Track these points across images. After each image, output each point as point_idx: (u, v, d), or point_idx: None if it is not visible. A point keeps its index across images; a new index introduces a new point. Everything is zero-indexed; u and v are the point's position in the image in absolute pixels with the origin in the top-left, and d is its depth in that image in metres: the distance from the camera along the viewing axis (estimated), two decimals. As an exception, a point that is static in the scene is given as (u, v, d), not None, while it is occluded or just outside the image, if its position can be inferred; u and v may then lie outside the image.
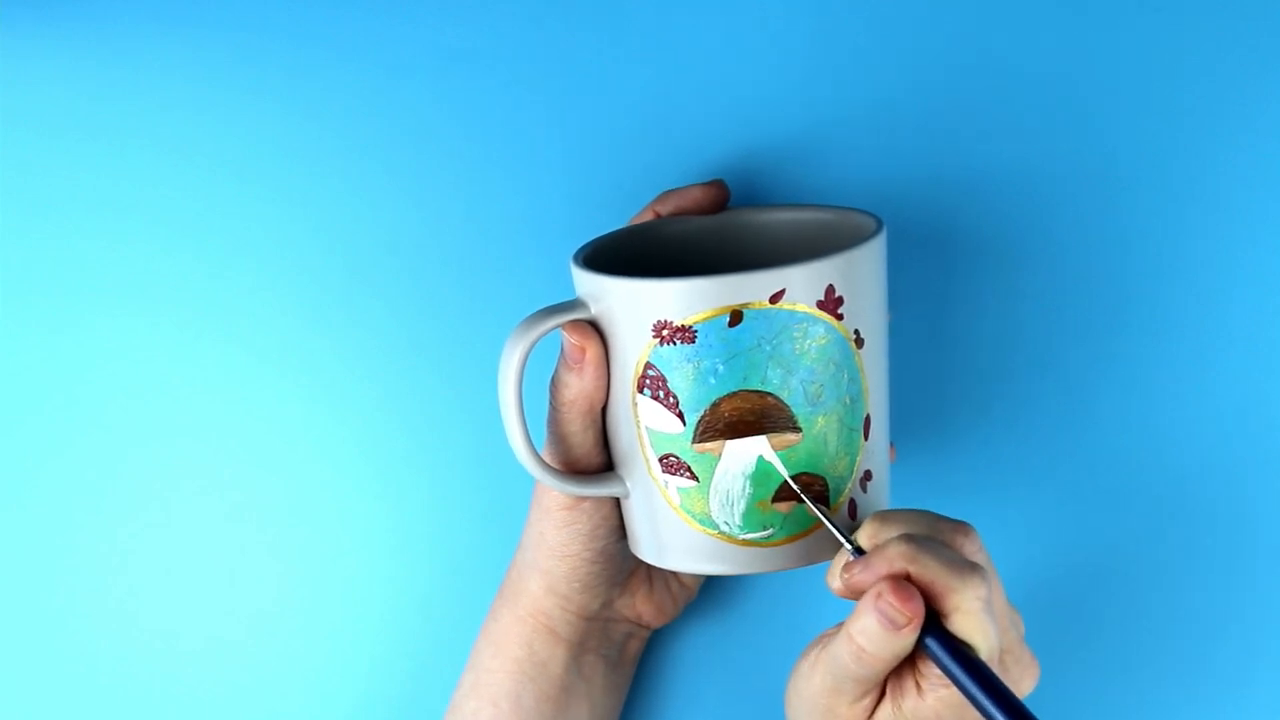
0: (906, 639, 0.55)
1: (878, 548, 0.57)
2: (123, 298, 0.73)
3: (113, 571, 0.74)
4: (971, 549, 0.58)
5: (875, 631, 0.55)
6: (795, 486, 0.60)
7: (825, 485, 0.61)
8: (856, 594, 0.57)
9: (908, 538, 0.56)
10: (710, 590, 0.74)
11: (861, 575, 0.57)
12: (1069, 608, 0.74)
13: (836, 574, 0.58)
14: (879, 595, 0.55)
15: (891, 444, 0.68)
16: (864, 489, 0.62)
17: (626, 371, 0.61)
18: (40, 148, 0.72)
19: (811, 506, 0.60)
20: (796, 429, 0.60)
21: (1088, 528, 0.74)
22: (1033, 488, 0.73)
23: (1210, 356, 0.72)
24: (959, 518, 0.73)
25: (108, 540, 0.74)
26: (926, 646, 0.56)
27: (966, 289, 0.72)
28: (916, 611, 0.55)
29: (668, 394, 0.60)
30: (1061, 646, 0.74)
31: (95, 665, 0.75)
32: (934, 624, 0.56)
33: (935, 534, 0.58)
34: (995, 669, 0.57)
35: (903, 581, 0.55)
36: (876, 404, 0.62)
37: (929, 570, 0.55)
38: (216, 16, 0.71)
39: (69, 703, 0.75)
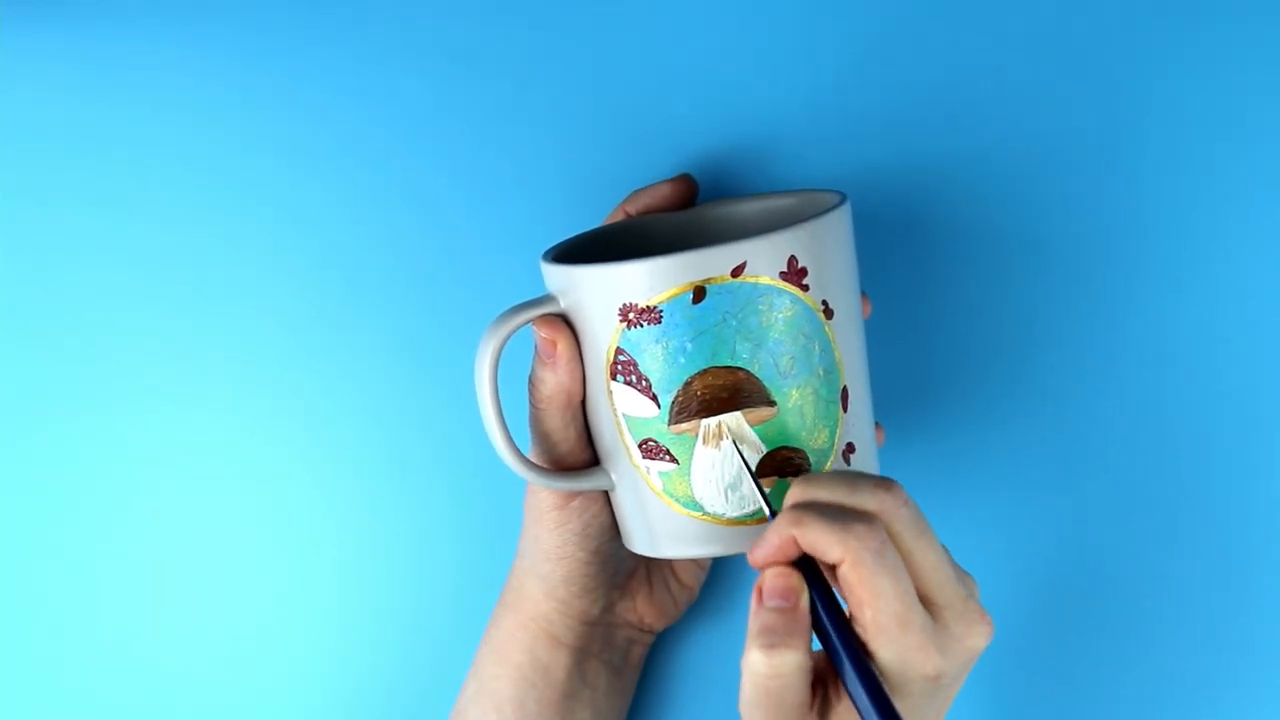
0: (792, 651, 0.54)
1: (773, 523, 0.56)
2: (113, 298, 0.74)
3: (102, 576, 0.75)
4: (892, 503, 0.56)
5: (760, 659, 0.55)
6: (748, 463, 0.60)
7: (806, 458, 0.61)
8: (770, 566, 0.56)
9: (795, 506, 0.56)
10: (712, 593, 0.74)
11: (758, 553, 0.56)
12: (1057, 593, 0.73)
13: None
14: (755, 611, 0.55)
15: (879, 425, 0.67)
16: (847, 461, 0.62)
17: (599, 360, 0.61)
18: (36, 149, 0.73)
19: (749, 476, 0.59)
20: (771, 403, 0.60)
21: (1080, 513, 0.73)
22: (1022, 473, 0.73)
23: (1197, 336, 0.72)
24: (951, 504, 0.73)
25: (97, 546, 0.75)
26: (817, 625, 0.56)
27: (951, 277, 0.72)
28: (790, 619, 0.55)
29: (640, 378, 0.60)
30: (1050, 630, 0.73)
31: (82, 674, 0.75)
32: (826, 601, 0.56)
33: (852, 493, 0.56)
34: (909, 622, 0.55)
35: (761, 593, 0.55)
36: (853, 375, 0.62)
37: (811, 531, 0.55)
38: (204, 13, 0.73)
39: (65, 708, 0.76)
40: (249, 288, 0.73)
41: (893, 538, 0.55)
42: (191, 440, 0.74)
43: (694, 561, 0.71)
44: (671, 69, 0.72)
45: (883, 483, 0.56)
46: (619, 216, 0.69)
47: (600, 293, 0.60)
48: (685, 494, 0.61)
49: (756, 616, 0.55)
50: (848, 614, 0.56)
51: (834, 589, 0.56)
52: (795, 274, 0.59)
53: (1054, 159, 0.72)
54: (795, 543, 0.55)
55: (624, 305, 0.59)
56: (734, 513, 0.61)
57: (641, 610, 0.70)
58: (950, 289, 0.73)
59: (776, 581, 0.55)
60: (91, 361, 0.74)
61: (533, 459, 0.65)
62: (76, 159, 0.73)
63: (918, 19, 0.71)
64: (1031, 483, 0.73)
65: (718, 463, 0.60)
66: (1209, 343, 0.72)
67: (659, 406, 0.60)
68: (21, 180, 0.73)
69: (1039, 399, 0.73)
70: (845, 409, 0.62)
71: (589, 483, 0.63)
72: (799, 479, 0.57)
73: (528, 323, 0.62)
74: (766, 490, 0.60)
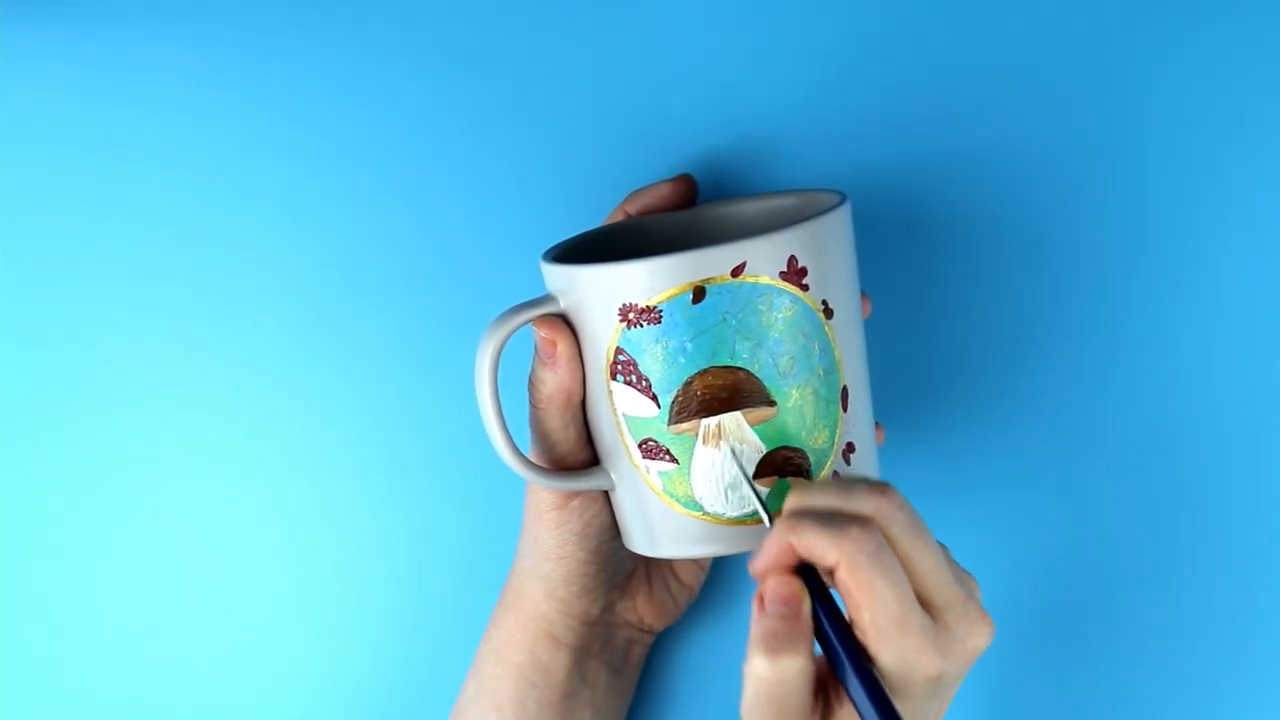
0: (795, 657, 0.54)
1: (770, 532, 0.56)
2: (113, 298, 0.74)
3: (102, 576, 0.75)
4: (887, 506, 0.55)
5: (764, 665, 0.54)
6: (746, 472, 0.60)
7: (806, 458, 0.61)
8: (770, 575, 0.56)
9: (790, 514, 0.56)
10: (712, 593, 0.74)
11: (758, 563, 0.56)
12: (1057, 593, 0.73)
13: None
14: (758, 618, 0.55)
15: (879, 424, 0.67)
16: (847, 461, 0.62)
17: (599, 360, 0.61)
18: (36, 149, 0.73)
19: (748, 484, 0.59)
20: (771, 402, 0.60)
21: (1080, 513, 0.73)
22: (1022, 473, 0.73)
23: (1197, 336, 0.72)
24: (951, 504, 0.73)
25: (97, 546, 0.75)
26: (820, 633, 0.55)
27: (951, 277, 0.72)
28: (793, 629, 0.54)
29: (640, 377, 0.60)
30: (1050, 630, 0.73)
31: (82, 674, 0.75)
32: (827, 607, 0.56)
33: (847, 499, 0.56)
34: (907, 624, 0.54)
35: (763, 600, 0.55)
36: (853, 375, 0.62)
37: (806, 537, 0.54)
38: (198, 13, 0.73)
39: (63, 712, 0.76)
40: (249, 288, 0.74)
41: (889, 541, 0.55)
42: (191, 440, 0.74)
43: (694, 561, 0.71)
44: (671, 69, 0.72)
45: (877, 487, 0.56)
46: (619, 216, 0.69)
47: (600, 293, 0.60)
48: (685, 494, 0.61)
49: (759, 623, 0.55)
50: (847, 618, 0.56)
51: (834, 594, 0.56)
52: (795, 274, 0.59)
53: (1054, 159, 0.72)
54: (792, 550, 0.55)
55: (624, 305, 0.59)
56: (734, 512, 0.61)
57: (641, 610, 0.70)
58: (950, 289, 0.73)
59: (778, 589, 0.55)
60: (91, 361, 0.74)
61: (533, 459, 0.65)
62: (76, 159, 0.73)
63: (918, 19, 0.71)
64: (1031, 483, 0.73)
65: (717, 462, 0.60)
66: (1209, 343, 0.72)
67: (659, 406, 0.60)
68: (21, 180, 0.73)
69: (1039, 399, 0.73)
70: (845, 409, 0.62)
71: (589, 482, 0.63)
72: (794, 488, 0.57)
73: (528, 323, 0.62)
74: (765, 490, 0.60)
